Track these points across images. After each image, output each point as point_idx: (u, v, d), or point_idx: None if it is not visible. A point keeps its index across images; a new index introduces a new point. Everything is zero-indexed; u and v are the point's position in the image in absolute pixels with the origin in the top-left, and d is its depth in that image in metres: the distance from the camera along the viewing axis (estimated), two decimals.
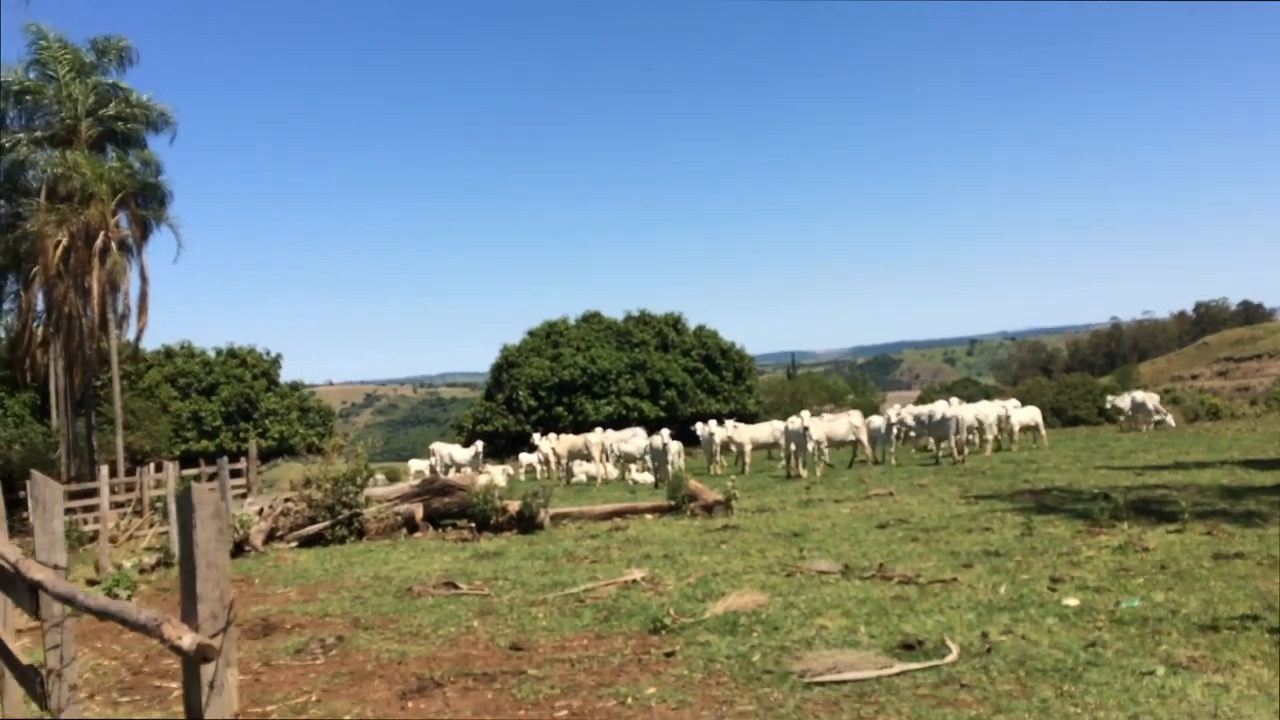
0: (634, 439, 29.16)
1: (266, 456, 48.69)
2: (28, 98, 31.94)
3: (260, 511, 15.94)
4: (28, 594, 3.89)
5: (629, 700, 5.98)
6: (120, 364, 34.19)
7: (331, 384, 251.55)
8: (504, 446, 49.39)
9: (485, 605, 9.24)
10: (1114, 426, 33.87)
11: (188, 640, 2.02)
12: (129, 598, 11.49)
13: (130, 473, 30.24)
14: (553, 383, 54.01)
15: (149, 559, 15.28)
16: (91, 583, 12.86)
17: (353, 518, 15.43)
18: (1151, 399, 33.16)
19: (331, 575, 11.92)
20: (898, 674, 6.09)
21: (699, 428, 30.28)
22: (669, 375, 54.00)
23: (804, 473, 23.08)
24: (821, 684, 5.98)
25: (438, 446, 33.20)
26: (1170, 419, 32.92)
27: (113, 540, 19.66)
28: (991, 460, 23.78)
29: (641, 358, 54.66)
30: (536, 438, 33.59)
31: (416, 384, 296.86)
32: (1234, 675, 5.69)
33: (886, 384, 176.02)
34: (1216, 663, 5.96)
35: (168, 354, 53.42)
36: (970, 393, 55.08)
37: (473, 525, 15.64)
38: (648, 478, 25.36)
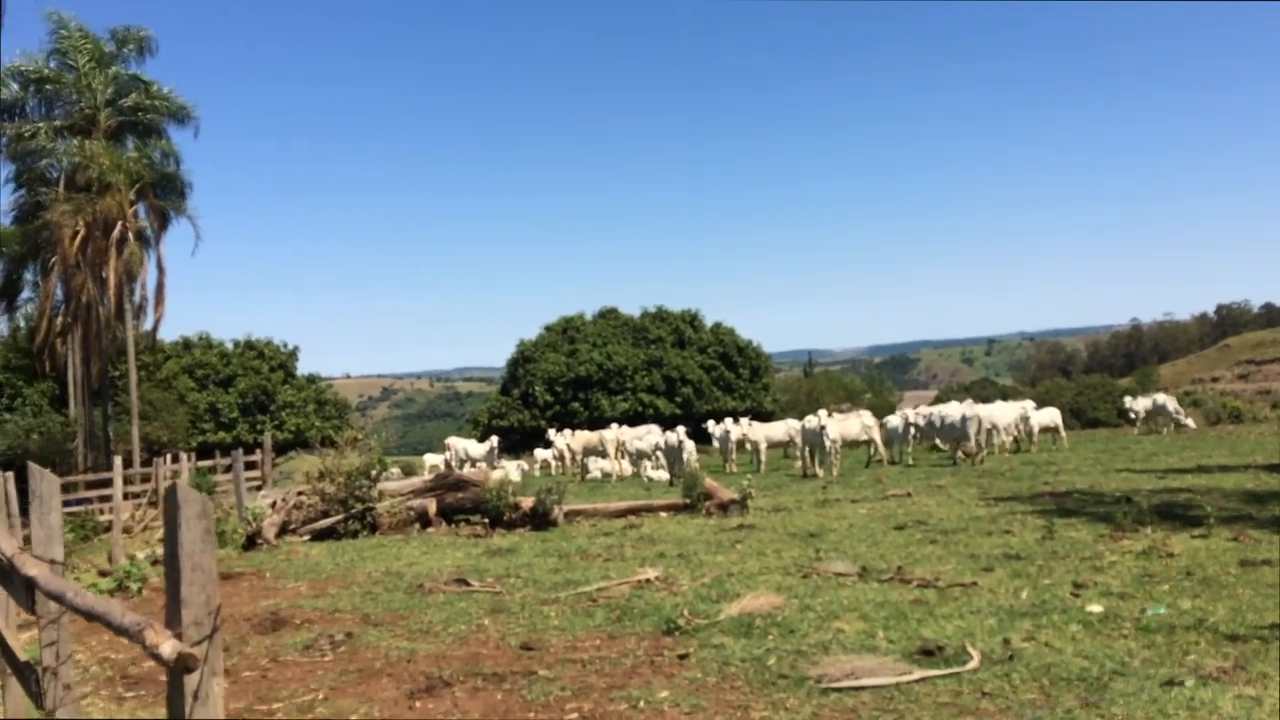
0: (649, 436, 29.02)
1: (283, 449, 48.81)
2: (48, 87, 32.07)
3: (273, 504, 15.89)
4: (24, 589, 3.78)
5: (641, 704, 5.84)
6: (137, 355, 34.31)
7: (349, 377, 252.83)
8: (519, 442, 49.37)
9: (497, 603, 9.12)
10: (1133, 429, 33.48)
11: (168, 648, 1.90)
12: (139, 590, 11.45)
13: (147, 463, 30.32)
14: (569, 378, 53.95)
15: (162, 550, 15.27)
16: (104, 574, 12.83)
17: (365, 512, 15.35)
18: (1170, 401, 32.78)
19: (343, 570, 11.84)
20: (917, 681, 5.93)
21: (711, 426, 30.12)
22: (685, 372, 53.84)
23: (820, 472, 22.88)
24: (839, 690, 5.83)
25: (453, 441, 33.17)
26: (1190, 421, 32.55)
27: (127, 531, 19.66)
28: (1010, 461, 23.52)
29: (658, 354, 54.53)
30: (552, 433, 33.50)
31: (433, 378, 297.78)
32: (1266, 688, 5.49)
33: (904, 383, 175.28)
34: (1247, 674, 5.77)
35: (186, 345, 53.60)
36: (988, 393, 54.78)
37: (486, 521, 15.53)
38: (663, 475, 25.22)
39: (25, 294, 36.10)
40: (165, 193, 33.59)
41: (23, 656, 4.14)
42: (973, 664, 6.17)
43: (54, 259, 31.63)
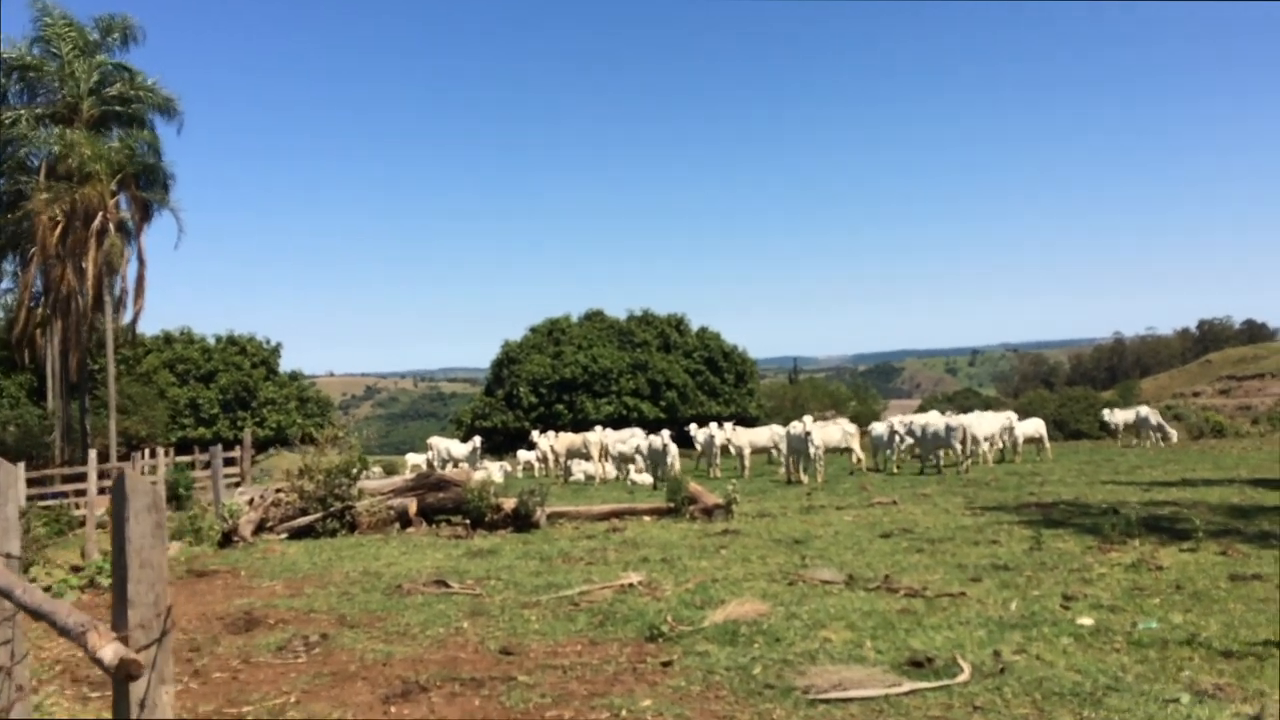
0: (632, 439, 28.85)
1: (264, 446, 48.38)
2: (30, 74, 31.67)
3: (251, 501, 15.64)
4: None
5: (623, 712, 5.67)
6: (117, 348, 33.89)
7: (333, 375, 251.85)
8: (503, 443, 49.09)
9: (476, 605, 8.92)
10: (1115, 441, 33.55)
11: (109, 653, 1.72)
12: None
13: (125, 458, 29.98)
14: (553, 380, 53.71)
15: None
16: (76, 569, 12.56)
17: (345, 510, 15.12)
18: (1154, 415, 32.90)
19: (320, 569, 11.61)
20: (907, 693, 5.77)
21: (694, 430, 29.96)
22: (670, 376, 53.68)
23: (804, 478, 22.76)
24: (826, 701, 5.67)
25: (435, 441, 32.90)
26: (1173, 431, 32.68)
27: (102, 526, 19.33)
28: (995, 471, 23.48)
29: (643, 358, 54.35)
30: (535, 435, 33.31)
31: (417, 378, 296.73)
32: (1264, 706, 5.36)
33: (888, 392, 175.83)
34: (1244, 691, 5.64)
35: (167, 340, 53.06)
36: (971, 403, 54.87)
37: (467, 522, 15.32)
38: (647, 478, 25.05)
39: (4, 285, 35.73)
40: (148, 184, 33.21)
41: None
42: (963, 676, 6.02)
43: (34, 249, 31.24)
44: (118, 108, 32.56)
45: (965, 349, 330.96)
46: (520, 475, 31.30)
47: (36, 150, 31.82)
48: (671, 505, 15.77)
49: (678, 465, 25.28)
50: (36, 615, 2.27)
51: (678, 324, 58.16)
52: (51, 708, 6.25)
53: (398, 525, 15.30)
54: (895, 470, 25.02)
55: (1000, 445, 27.89)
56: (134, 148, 32.50)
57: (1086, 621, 7.44)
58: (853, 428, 27.72)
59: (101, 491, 25.29)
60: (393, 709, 5.94)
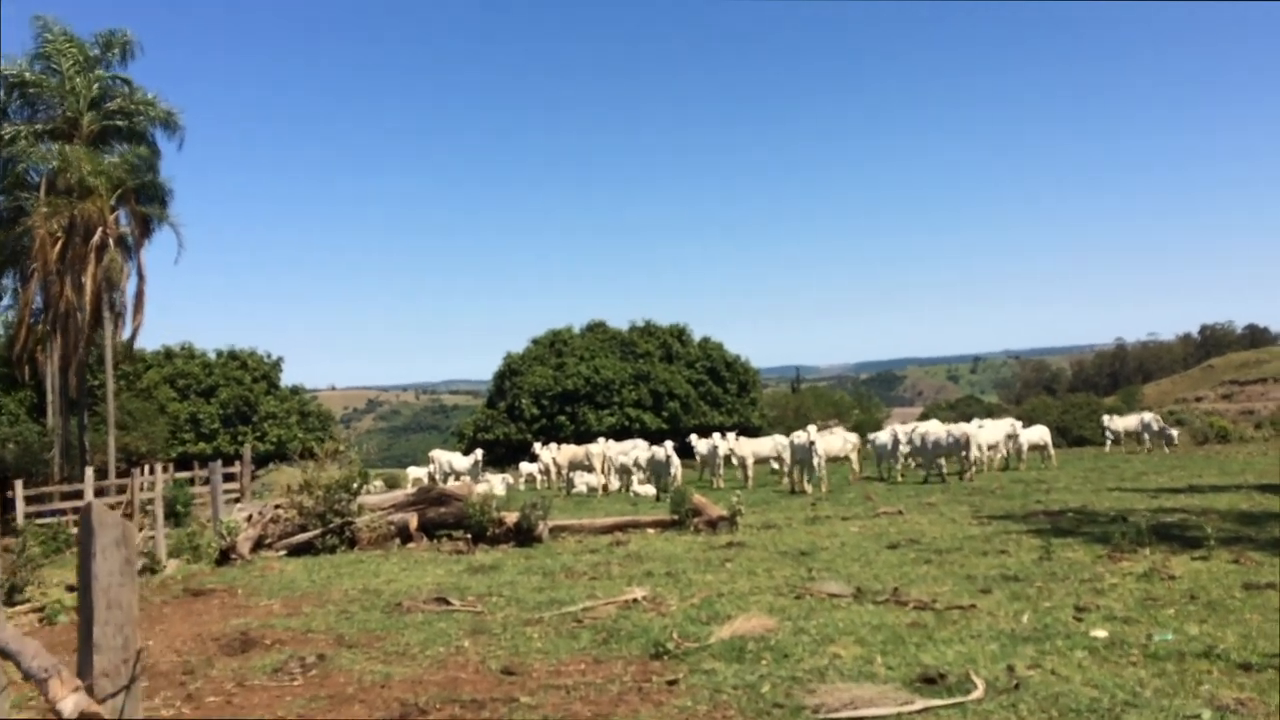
0: (634, 451, 28.68)
1: (264, 461, 48.20)
2: (30, 90, 31.65)
3: (249, 518, 15.48)
4: None
5: None
6: (117, 364, 33.76)
7: (334, 389, 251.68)
8: (505, 455, 48.87)
9: (478, 623, 8.77)
10: (1119, 448, 33.37)
11: (69, 705, 1.56)
12: None
13: (125, 474, 29.78)
14: (556, 392, 53.51)
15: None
16: (71, 588, 12.41)
17: (344, 526, 14.96)
18: (1156, 420, 32.77)
19: (319, 587, 11.45)
20: (920, 711, 5.62)
21: (695, 441, 29.72)
22: (672, 387, 53.48)
23: (809, 488, 22.58)
24: None
25: (437, 454, 32.74)
26: (1173, 431, 32.54)
27: None
28: (1000, 479, 23.29)
29: (645, 368, 54.15)
30: (537, 447, 33.13)
31: (419, 390, 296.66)
32: None
33: (890, 400, 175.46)
34: (1266, 707, 5.48)
35: (167, 355, 52.91)
36: (973, 410, 54.64)
37: (469, 537, 15.16)
38: (650, 490, 24.89)
39: (4, 301, 35.59)
40: (148, 199, 33.13)
41: None
42: (977, 694, 5.87)
43: (34, 265, 31.12)
44: (119, 122, 32.50)
45: (967, 356, 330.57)
46: (522, 488, 31.12)
47: (36, 166, 31.74)
48: (675, 517, 15.61)
49: (680, 476, 25.11)
50: (3, 655, 2.14)
51: (680, 334, 57.96)
52: None
53: (398, 541, 15.13)
54: (900, 479, 24.85)
55: (1004, 453, 27.73)
56: (134, 163, 32.41)
57: (1100, 634, 7.28)
58: (853, 437, 27.60)
59: None
60: None
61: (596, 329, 59.64)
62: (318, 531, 14.88)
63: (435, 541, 15.39)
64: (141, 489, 24.45)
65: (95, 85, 31.89)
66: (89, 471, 16.78)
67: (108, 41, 32.44)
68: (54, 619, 10.54)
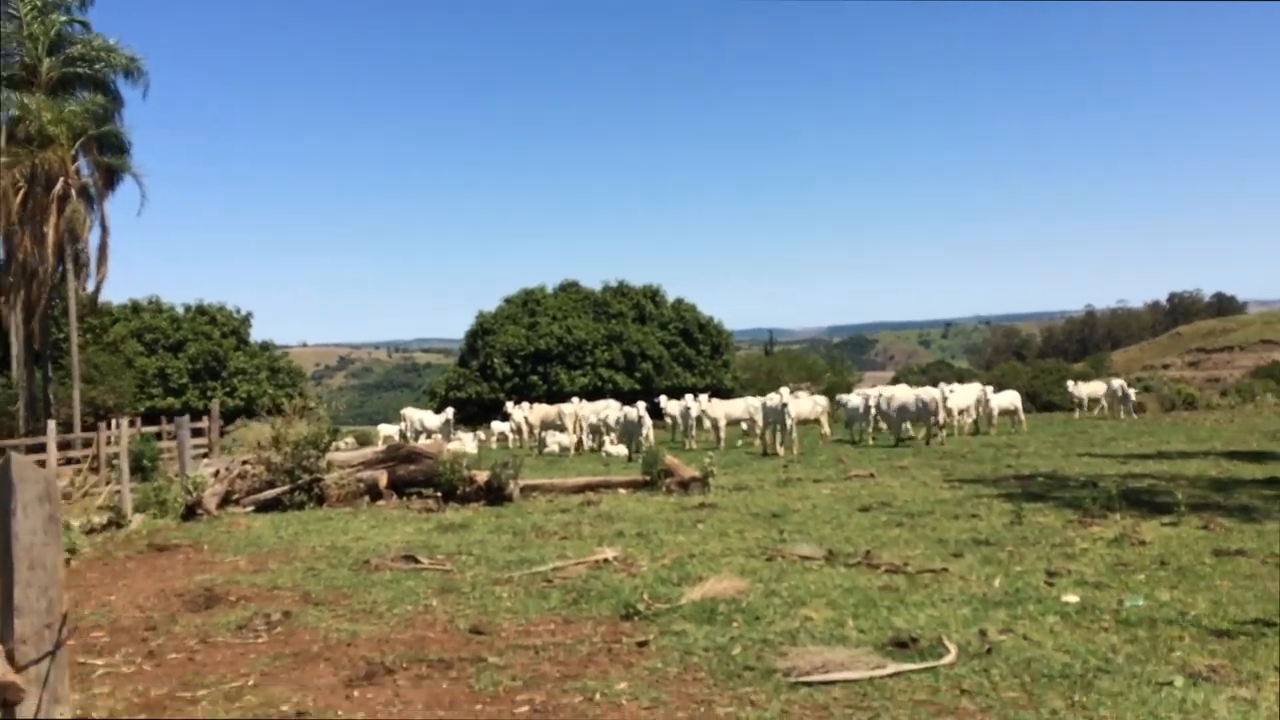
0: (606, 411, 28.60)
1: (233, 416, 47.73)
2: None
3: (216, 473, 15.27)
4: None
5: (597, 696, 5.43)
6: (81, 316, 33.19)
7: (306, 345, 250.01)
8: (477, 414, 48.65)
9: (446, 582, 8.66)
10: (1085, 413, 33.69)
11: None
12: (68, 561, 10.83)
13: (92, 428, 29.34)
14: (528, 351, 53.25)
15: (100, 519, 14.55)
16: None
17: (313, 483, 14.78)
18: (1122, 388, 33.05)
19: (286, 544, 11.29)
20: (891, 675, 5.57)
21: (665, 401, 29.59)
22: (645, 348, 53.35)
23: (781, 451, 22.61)
24: (809, 684, 5.45)
25: (409, 412, 32.49)
26: (1131, 392, 32.90)
27: (66, 498, 18.93)
28: (970, 443, 23.43)
29: (618, 329, 53.95)
30: (510, 406, 32.98)
31: (391, 348, 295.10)
32: (1260, 689, 5.20)
33: (862, 364, 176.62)
34: (1238, 674, 5.47)
35: (135, 309, 52.16)
36: (944, 375, 54.95)
37: (439, 495, 15.04)
38: (622, 451, 24.84)
39: None
40: (111, 149, 32.38)
41: None
42: (949, 658, 5.83)
43: None
44: (80, 69, 31.66)
45: (938, 321, 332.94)
46: (494, 447, 30.99)
47: None
48: (647, 478, 15.54)
49: (652, 437, 25.06)
50: None
51: (653, 295, 57.75)
52: None
53: (367, 498, 14.98)
54: (870, 442, 24.95)
55: (975, 417, 27.90)
56: (95, 111, 31.62)
57: (1072, 599, 7.27)
58: (823, 400, 27.71)
59: (68, 462, 24.80)
60: (356, 693, 5.68)
61: (570, 289, 59.29)
62: (286, 488, 14.69)
63: (405, 499, 15.26)
64: (108, 443, 24.12)
65: (53, 30, 30.98)
66: (50, 425, 16.44)
67: None
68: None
